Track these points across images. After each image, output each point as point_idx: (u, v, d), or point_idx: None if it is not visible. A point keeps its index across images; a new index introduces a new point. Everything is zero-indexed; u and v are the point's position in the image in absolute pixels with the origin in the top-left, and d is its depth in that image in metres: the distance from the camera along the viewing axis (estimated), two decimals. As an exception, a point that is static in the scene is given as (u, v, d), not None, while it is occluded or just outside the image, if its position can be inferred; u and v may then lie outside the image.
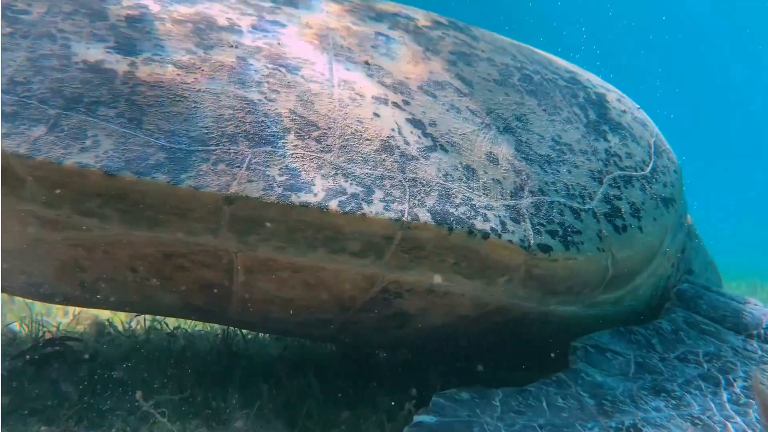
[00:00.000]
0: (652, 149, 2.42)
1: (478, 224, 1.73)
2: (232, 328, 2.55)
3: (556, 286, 1.95)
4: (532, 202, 1.92)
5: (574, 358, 1.86)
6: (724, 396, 1.77)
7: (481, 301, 1.90)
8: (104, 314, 2.91)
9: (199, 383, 1.95)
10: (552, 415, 1.61)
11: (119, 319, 2.90)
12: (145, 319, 2.84)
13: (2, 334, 2.46)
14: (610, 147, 2.27)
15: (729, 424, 1.63)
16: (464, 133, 1.96)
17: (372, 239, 1.61)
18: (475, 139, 1.97)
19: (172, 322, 2.80)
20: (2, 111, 1.37)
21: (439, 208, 1.69)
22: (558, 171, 2.06)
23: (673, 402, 1.75)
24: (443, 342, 2.16)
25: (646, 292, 2.33)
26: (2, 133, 1.33)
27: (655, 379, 1.85)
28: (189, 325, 2.86)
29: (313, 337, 2.15)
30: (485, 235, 1.73)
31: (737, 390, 1.81)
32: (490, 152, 1.97)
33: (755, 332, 2.12)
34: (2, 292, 1.87)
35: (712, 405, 1.74)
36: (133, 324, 2.82)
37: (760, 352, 2.05)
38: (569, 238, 1.92)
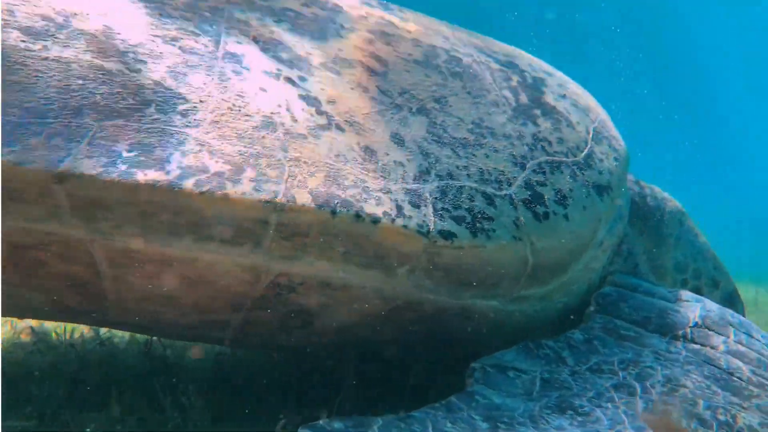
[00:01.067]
0: (590, 135, 2.26)
1: (369, 208, 1.57)
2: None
3: (467, 278, 1.79)
4: (438, 187, 1.76)
5: (471, 380, 1.67)
6: (639, 405, 1.59)
7: (386, 295, 1.74)
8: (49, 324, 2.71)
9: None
10: None
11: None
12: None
13: None
14: (539, 132, 2.11)
15: None
16: (368, 113, 1.80)
17: (243, 224, 1.46)
18: (381, 119, 1.81)
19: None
20: None
21: (323, 189, 1.53)
22: (473, 155, 1.90)
23: (579, 418, 1.57)
24: (361, 343, 1.99)
25: (580, 287, 2.17)
26: None
27: (561, 395, 1.67)
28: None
29: (214, 341, 1.99)
30: (375, 220, 1.57)
31: (654, 396, 1.65)
32: (397, 133, 1.81)
33: (681, 332, 1.93)
34: None
35: (624, 417, 1.56)
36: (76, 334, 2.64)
37: (684, 353, 1.84)
38: (478, 225, 1.76)
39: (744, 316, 2.93)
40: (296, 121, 1.63)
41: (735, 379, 1.71)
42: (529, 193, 1.93)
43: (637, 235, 2.97)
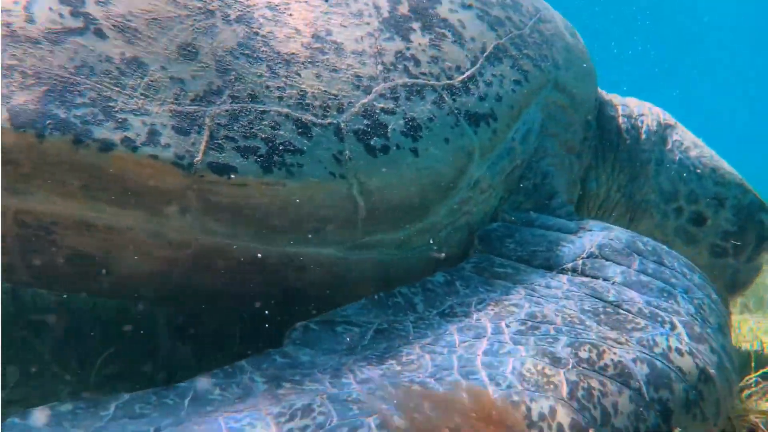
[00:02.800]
0: (486, 53, 1.83)
1: (101, 132, 1.25)
2: None
3: (270, 221, 1.47)
4: (228, 110, 1.41)
5: (287, 340, 1.37)
6: (483, 346, 1.30)
7: (170, 239, 1.44)
8: None
9: None
10: (191, 413, 1.14)
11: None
12: None
13: None
14: (407, 49, 1.71)
15: (465, 382, 1.19)
16: (157, 18, 1.45)
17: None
18: (173, 26, 1.46)
19: None
20: None
21: (33, 107, 1.21)
22: (298, 74, 1.53)
23: (398, 367, 1.25)
24: (192, 293, 1.71)
25: (452, 234, 1.80)
26: None
27: (390, 345, 1.36)
28: None
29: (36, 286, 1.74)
30: (106, 147, 1.25)
31: (505, 338, 1.32)
32: (190, 44, 1.46)
33: (571, 265, 1.62)
34: None
35: (455, 362, 1.26)
36: None
37: (567, 287, 1.53)
38: (276, 158, 1.41)
39: None
40: (32, 21, 1.30)
41: (622, 311, 1.43)
42: (366, 122, 1.56)
43: (605, 167, 2.54)
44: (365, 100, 1.58)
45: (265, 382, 1.22)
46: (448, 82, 1.72)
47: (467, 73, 1.77)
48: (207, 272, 1.57)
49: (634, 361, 1.25)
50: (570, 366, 1.22)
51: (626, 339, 1.33)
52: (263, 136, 1.42)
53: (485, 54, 1.83)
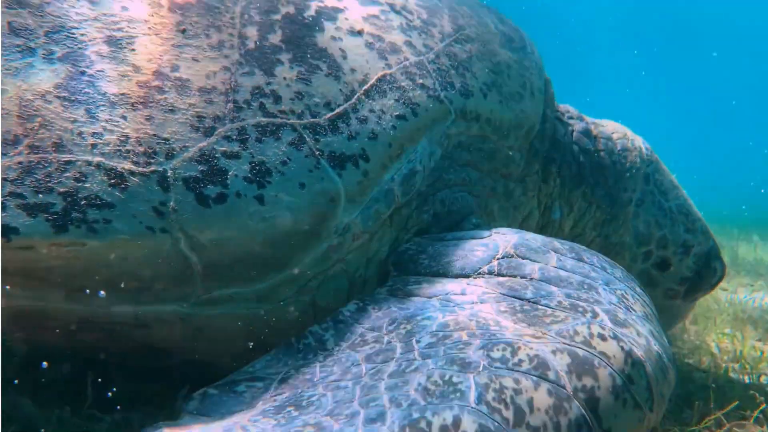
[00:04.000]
0: (366, 86, 1.63)
1: None
2: None
3: (75, 283, 1.29)
4: (20, 162, 1.24)
5: (183, 413, 1.19)
6: (389, 369, 1.19)
7: None
8: None
9: None
10: None
11: None
12: None
13: None
14: (268, 84, 1.52)
15: (358, 415, 1.07)
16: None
17: None
18: (-24, 68, 1.31)
19: None
20: None
21: None
22: (123, 117, 1.36)
23: (294, 413, 1.11)
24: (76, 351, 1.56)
25: (326, 283, 1.59)
26: None
27: (295, 393, 1.20)
28: None
29: None
30: None
31: (415, 354, 1.21)
32: (-9, 87, 1.30)
33: (487, 267, 1.53)
34: None
35: (357, 392, 1.14)
36: None
37: (483, 290, 1.44)
38: (76, 215, 1.23)
39: (723, 275, 2.46)
40: None
41: (540, 307, 1.36)
42: (201, 168, 1.37)
43: (574, 198, 2.35)
44: (204, 144, 1.40)
45: None
46: (313, 120, 1.53)
47: (338, 110, 1.57)
48: (47, 332, 1.41)
49: (553, 352, 1.15)
50: (481, 368, 1.13)
51: (544, 332, 1.23)
52: (62, 190, 1.24)
53: (365, 87, 1.63)
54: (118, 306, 1.36)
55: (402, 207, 1.71)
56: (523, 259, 1.53)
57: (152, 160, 1.33)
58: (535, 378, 1.10)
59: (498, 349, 1.17)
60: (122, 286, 1.31)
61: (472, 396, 1.05)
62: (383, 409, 1.04)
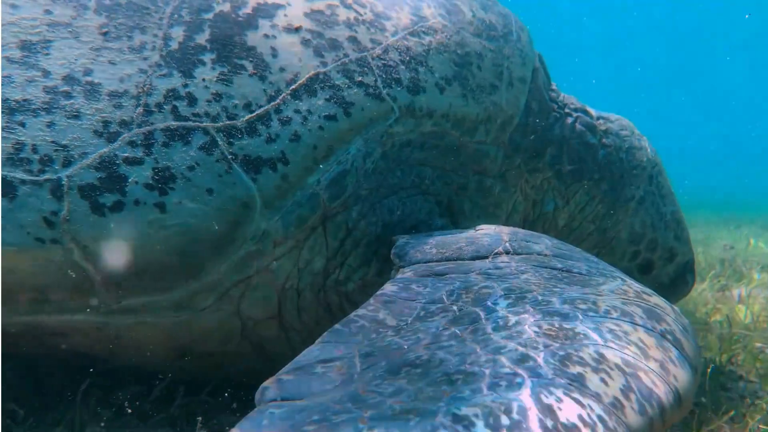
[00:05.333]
0: (294, 86, 1.54)
1: None
2: None
3: None
4: None
5: (263, 405, 1.04)
6: (488, 327, 1.15)
7: None
8: None
9: None
10: None
11: None
12: None
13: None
14: (185, 86, 1.46)
15: (500, 358, 1.03)
16: None
17: None
18: None
19: None
20: None
21: None
22: (21, 125, 1.32)
23: (417, 371, 1.01)
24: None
25: (252, 292, 1.52)
26: None
27: (390, 361, 1.07)
28: None
29: None
30: None
31: (502, 312, 1.20)
32: None
33: (501, 248, 1.52)
34: None
35: (475, 347, 1.09)
36: None
37: (514, 264, 1.43)
38: (-45, 227, 1.20)
39: (690, 290, 2.48)
40: None
41: (575, 274, 1.37)
42: (99, 175, 1.31)
43: (572, 192, 2.28)
44: (105, 150, 1.34)
45: None
46: (229, 123, 1.45)
47: (258, 111, 1.48)
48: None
49: (624, 303, 1.18)
50: (580, 317, 1.14)
51: (600, 291, 1.25)
52: (-54, 199, 1.21)
53: (292, 87, 1.54)
54: (22, 317, 1.32)
55: (337, 214, 1.62)
56: (526, 241, 1.54)
57: (47, 168, 1.28)
58: (629, 323, 1.11)
59: (581, 303, 1.17)
60: (17, 297, 1.27)
61: (596, 336, 1.05)
62: (524, 352, 1.01)
